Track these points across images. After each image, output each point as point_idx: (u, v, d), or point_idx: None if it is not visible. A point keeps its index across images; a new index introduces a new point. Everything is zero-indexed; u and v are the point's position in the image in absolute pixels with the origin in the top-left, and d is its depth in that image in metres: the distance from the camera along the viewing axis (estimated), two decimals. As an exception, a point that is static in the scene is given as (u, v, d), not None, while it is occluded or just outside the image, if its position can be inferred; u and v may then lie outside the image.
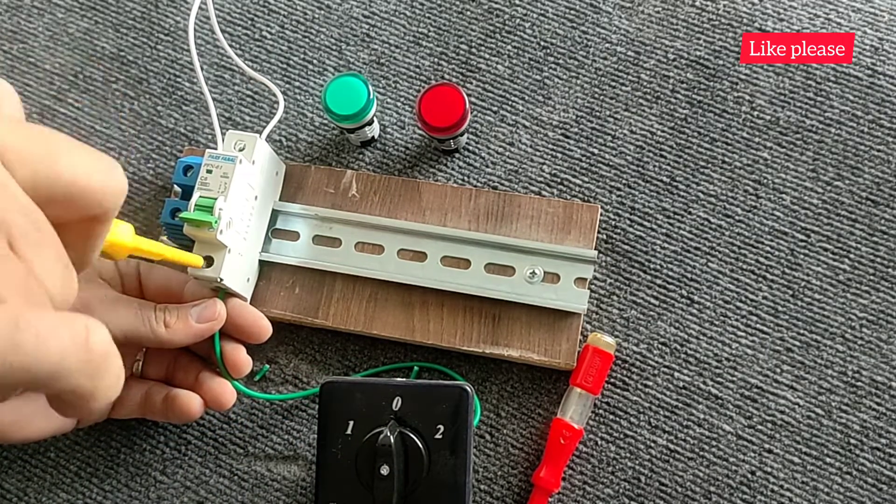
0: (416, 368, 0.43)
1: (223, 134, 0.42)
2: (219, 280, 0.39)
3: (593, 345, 0.41)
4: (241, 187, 0.40)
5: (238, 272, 0.41)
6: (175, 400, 0.40)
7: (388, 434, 0.33)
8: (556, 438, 0.41)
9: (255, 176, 0.42)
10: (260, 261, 0.44)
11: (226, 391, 0.41)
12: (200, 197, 0.38)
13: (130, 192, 0.47)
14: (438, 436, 0.34)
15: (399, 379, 0.37)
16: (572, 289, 0.42)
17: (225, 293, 0.40)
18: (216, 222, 0.38)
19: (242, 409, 0.44)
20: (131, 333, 0.38)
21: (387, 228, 0.44)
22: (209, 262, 0.39)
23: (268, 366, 0.45)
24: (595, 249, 0.43)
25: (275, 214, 0.45)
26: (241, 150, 0.41)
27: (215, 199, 0.38)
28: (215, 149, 0.40)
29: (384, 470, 0.33)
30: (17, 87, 0.50)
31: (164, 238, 0.44)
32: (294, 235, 0.44)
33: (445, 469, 0.34)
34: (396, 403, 0.35)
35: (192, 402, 0.40)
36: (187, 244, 0.40)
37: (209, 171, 0.39)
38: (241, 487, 0.43)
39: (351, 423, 0.35)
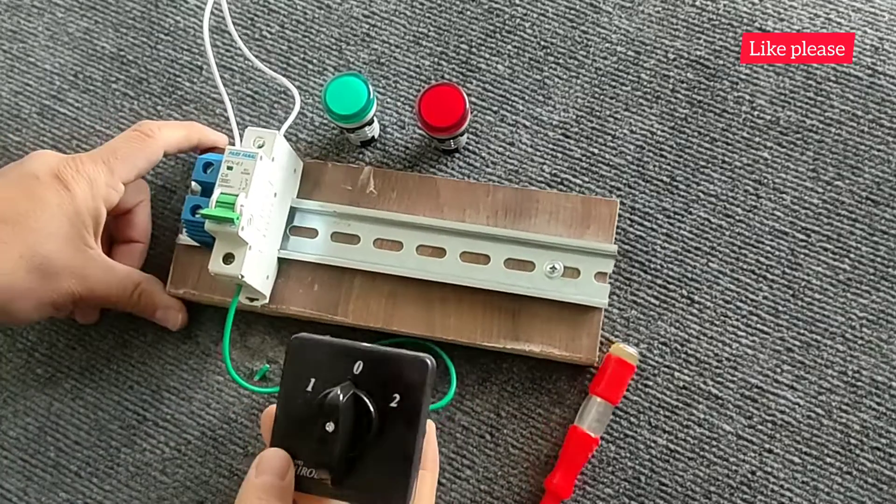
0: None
1: (240, 131, 0.42)
2: (240, 276, 0.39)
3: (616, 355, 0.41)
4: (262, 184, 0.40)
5: (258, 269, 0.41)
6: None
7: (339, 393, 0.33)
8: (573, 446, 0.40)
9: (274, 173, 0.42)
10: (279, 258, 0.44)
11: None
12: (222, 193, 0.38)
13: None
14: (394, 404, 0.33)
15: (366, 344, 0.36)
16: (592, 283, 0.42)
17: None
18: (238, 219, 0.38)
19: (242, 408, 0.44)
20: (118, 301, 0.43)
21: (405, 225, 0.44)
22: (229, 259, 0.39)
23: (268, 365, 0.45)
24: (615, 243, 0.43)
25: (293, 212, 0.44)
26: (260, 146, 0.41)
27: (237, 195, 0.38)
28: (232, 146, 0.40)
29: (329, 427, 0.32)
30: (17, 86, 0.50)
31: (183, 235, 0.44)
32: (312, 232, 0.44)
33: (396, 439, 0.33)
34: (358, 367, 0.34)
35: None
36: (208, 241, 0.40)
37: (230, 168, 0.39)
38: (242, 487, 0.43)
39: (312, 380, 0.35)
